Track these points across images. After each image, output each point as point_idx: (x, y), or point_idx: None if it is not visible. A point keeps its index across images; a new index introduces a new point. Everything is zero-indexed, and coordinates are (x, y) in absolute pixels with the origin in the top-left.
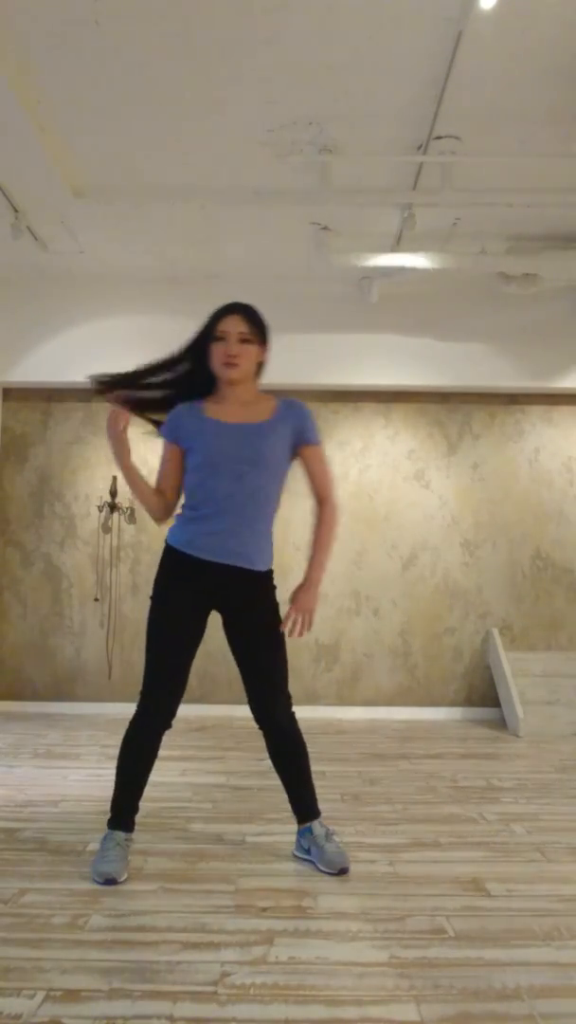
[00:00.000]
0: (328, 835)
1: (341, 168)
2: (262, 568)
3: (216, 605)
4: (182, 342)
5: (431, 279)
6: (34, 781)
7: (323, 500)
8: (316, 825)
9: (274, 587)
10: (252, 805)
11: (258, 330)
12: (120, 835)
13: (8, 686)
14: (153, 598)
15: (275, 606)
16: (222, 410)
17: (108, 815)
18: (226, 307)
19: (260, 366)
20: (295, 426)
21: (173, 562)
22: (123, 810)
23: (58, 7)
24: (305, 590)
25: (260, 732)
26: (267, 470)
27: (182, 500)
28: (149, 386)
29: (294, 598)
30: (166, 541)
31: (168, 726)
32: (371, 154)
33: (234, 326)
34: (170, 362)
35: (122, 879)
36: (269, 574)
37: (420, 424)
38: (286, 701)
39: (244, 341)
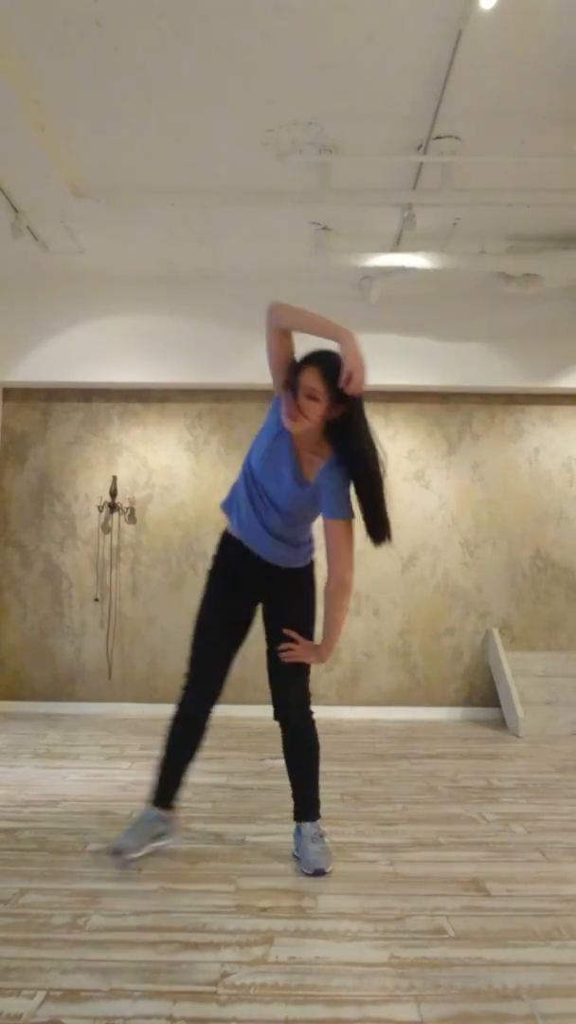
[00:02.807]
0: (315, 837)
1: (341, 168)
2: (298, 565)
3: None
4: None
5: (431, 279)
6: (34, 781)
7: (330, 572)
8: (307, 826)
9: (312, 578)
10: (252, 805)
11: (330, 387)
12: (154, 811)
13: (8, 686)
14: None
15: (309, 598)
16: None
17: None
18: (307, 358)
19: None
20: (319, 494)
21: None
22: (166, 788)
23: (58, 7)
24: (318, 649)
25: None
26: (296, 520)
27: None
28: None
29: (306, 644)
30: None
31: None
32: (371, 154)
33: (307, 380)
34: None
35: (133, 855)
36: (305, 568)
37: (420, 424)
38: (299, 692)
39: (311, 398)
